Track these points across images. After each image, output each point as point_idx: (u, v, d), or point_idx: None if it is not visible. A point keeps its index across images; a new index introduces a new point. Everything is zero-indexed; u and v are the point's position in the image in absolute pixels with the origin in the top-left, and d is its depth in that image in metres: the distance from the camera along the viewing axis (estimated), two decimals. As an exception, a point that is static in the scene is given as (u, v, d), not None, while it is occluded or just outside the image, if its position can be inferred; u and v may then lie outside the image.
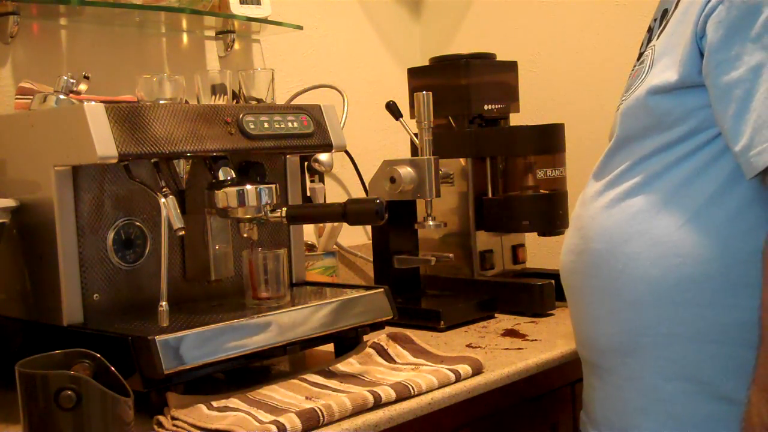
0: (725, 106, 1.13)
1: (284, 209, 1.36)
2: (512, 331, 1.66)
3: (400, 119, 1.81)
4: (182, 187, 1.39)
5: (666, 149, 1.21)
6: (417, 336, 1.47)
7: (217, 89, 1.45)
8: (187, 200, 1.40)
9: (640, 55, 1.33)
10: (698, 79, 1.17)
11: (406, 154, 1.94)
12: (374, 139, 2.30)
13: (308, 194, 1.93)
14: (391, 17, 2.41)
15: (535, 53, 2.22)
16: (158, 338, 1.15)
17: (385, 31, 2.39)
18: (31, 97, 1.42)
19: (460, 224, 1.89)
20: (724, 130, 1.14)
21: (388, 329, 1.48)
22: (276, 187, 1.38)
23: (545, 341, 1.56)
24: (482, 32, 2.34)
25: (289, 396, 1.22)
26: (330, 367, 1.35)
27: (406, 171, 1.70)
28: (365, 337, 1.46)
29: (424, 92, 1.69)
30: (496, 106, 1.93)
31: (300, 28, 2.02)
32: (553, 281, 1.75)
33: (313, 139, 1.46)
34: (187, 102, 1.41)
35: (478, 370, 1.36)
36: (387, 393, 1.21)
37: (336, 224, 1.90)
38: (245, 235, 1.40)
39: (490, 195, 1.87)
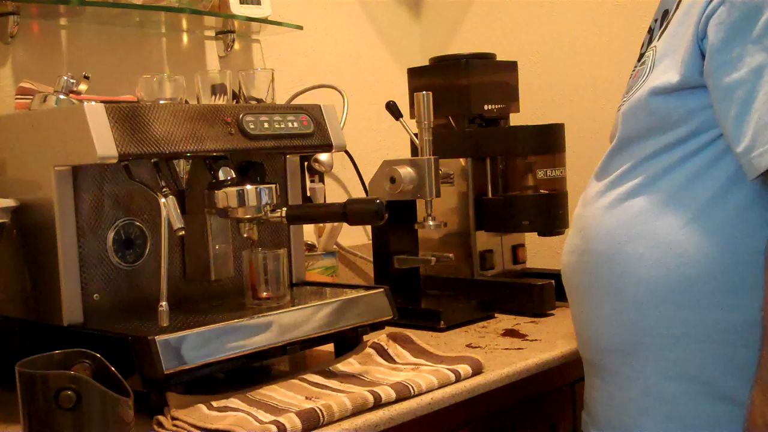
0: (727, 108, 1.12)
1: (284, 209, 1.36)
2: (512, 331, 1.66)
3: (400, 119, 1.81)
4: (182, 187, 1.38)
5: (667, 150, 1.21)
6: (417, 336, 1.47)
7: (217, 89, 1.45)
8: (187, 200, 1.40)
9: (641, 56, 1.33)
10: (699, 80, 1.16)
11: (406, 154, 1.94)
12: (374, 139, 2.30)
13: (308, 194, 1.93)
14: (391, 17, 2.41)
15: (535, 53, 2.22)
16: (158, 338, 1.15)
17: (385, 31, 2.39)
18: (31, 97, 1.42)
19: (460, 224, 1.89)
20: (725, 131, 1.14)
21: (388, 329, 1.48)
22: (276, 187, 1.38)
23: (545, 341, 1.56)
24: (482, 32, 2.33)
25: (289, 396, 1.22)
26: (330, 367, 1.35)
27: (406, 171, 1.70)
28: (365, 337, 1.46)
29: (424, 92, 1.69)
30: (496, 106, 1.93)
31: (300, 28, 2.02)
32: (553, 281, 1.75)
33: (313, 139, 1.46)
34: (187, 102, 1.41)
35: (478, 370, 1.36)
36: (387, 393, 1.21)
37: (336, 224, 1.90)
38: (245, 235, 1.40)
39: (490, 195, 1.87)
